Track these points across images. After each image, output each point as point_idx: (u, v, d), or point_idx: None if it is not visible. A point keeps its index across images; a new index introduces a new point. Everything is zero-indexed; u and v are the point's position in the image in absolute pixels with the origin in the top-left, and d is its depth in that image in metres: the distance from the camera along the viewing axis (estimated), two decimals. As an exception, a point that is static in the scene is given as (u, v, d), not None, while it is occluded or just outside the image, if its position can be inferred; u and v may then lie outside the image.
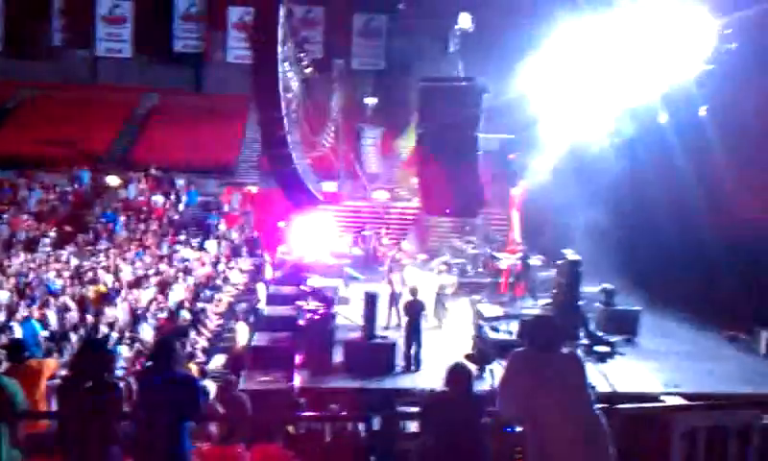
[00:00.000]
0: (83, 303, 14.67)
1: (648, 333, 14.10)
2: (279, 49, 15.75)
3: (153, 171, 24.46)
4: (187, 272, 17.83)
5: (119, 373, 9.86)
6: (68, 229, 21.25)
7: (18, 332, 11.94)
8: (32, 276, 16.18)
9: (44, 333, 12.65)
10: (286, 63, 18.25)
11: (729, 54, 12.65)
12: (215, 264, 19.34)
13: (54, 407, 6.03)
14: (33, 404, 6.07)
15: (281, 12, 15.54)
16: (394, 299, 14.49)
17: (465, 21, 19.60)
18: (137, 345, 12.46)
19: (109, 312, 14.17)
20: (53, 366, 7.15)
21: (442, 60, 21.34)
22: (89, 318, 13.68)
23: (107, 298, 15.02)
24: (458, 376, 5.47)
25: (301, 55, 22.06)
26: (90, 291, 15.31)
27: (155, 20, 25.21)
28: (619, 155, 17.72)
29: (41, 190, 23.27)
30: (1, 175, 23.50)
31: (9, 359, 7.03)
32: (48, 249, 19.20)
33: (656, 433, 6.30)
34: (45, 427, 6.19)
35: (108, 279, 16.40)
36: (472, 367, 5.77)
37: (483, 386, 8.97)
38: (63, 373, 6.73)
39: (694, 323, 14.85)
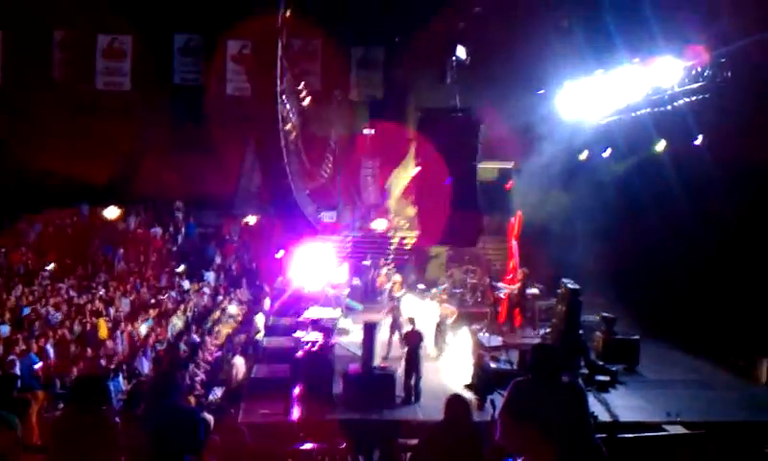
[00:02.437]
0: (82, 336, 14.60)
1: (649, 362, 14.05)
2: (278, 81, 15.90)
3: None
4: (186, 304, 17.78)
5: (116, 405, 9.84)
6: (67, 262, 21.18)
7: (17, 367, 11.85)
8: (30, 309, 16.12)
9: (38, 366, 12.54)
10: (284, 95, 18.42)
11: (725, 82, 12.82)
12: (214, 296, 19.30)
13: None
14: (24, 436, 6.06)
15: (279, 45, 15.71)
16: (393, 329, 14.45)
17: (461, 53, 19.82)
18: (136, 378, 12.40)
19: (109, 345, 14.11)
20: (41, 397, 7.14)
21: (439, 91, 21.50)
22: (88, 351, 13.60)
23: (107, 331, 14.98)
24: (456, 407, 5.45)
25: (300, 86, 22.27)
26: (90, 324, 15.25)
27: (154, 54, 25.43)
28: (617, 184, 17.86)
29: (41, 223, 23.29)
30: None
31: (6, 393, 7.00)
32: (47, 282, 19.13)
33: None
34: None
35: (107, 311, 16.36)
36: (472, 397, 5.75)
37: (484, 416, 8.93)
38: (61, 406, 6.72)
39: (695, 351, 14.79)
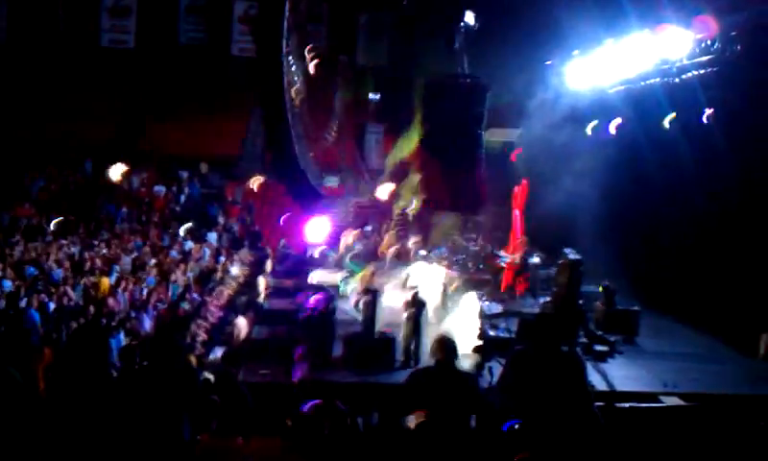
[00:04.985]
0: (83, 293, 14.68)
1: (648, 333, 14.10)
2: (284, 43, 15.72)
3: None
4: (188, 263, 17.84)
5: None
6: (71, 218, 21.17)
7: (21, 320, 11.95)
8: (33, 264, 16.17)
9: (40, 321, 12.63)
10: (290, 58, 18.23)
11: (734, 56, 12.64)
12: (216, 256, 19.34)
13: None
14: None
15: (286, 7, 15.52)
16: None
17: (469, 19, 19.53)
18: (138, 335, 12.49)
19: (110, 302, 14.20)
20: (47, 355, 7.16)
21: (446, 58, 21.21)
22: (90, 307, 13.68)
23: (108, 288, 15.06)
24: (443, 347, 5.38)
25: (306, 50, 22.06)
26: (93, 281, 15.33)
27: (159, 12, 25.12)
28: (621, 155, 17.73)
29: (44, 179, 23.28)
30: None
31: (18, 346, 6.99)
32: (49, 238, 19.16)
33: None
34: None
35: (110, 268, 16.42)
36: (476, 358, 5.76)
37: (482, 383, 8.98)
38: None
39: (694, 324, 14.83)
